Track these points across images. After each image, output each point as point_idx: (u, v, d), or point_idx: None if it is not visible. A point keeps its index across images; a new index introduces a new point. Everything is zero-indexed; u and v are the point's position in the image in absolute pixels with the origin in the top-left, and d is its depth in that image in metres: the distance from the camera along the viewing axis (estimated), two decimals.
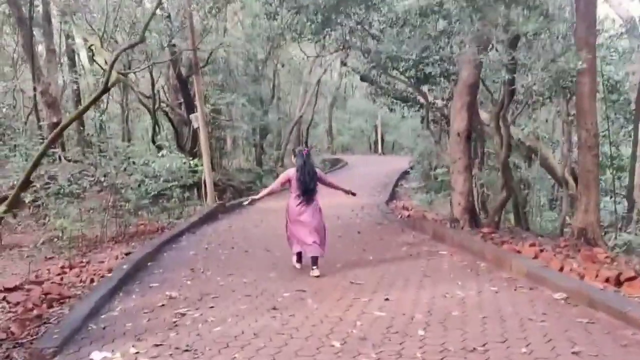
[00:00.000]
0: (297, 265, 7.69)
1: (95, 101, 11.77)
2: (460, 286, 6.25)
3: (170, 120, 19.88)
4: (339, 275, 7.07)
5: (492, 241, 9.15)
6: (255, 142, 26.81)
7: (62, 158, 21.81)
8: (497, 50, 8.55)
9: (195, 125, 14.94)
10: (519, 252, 8.25)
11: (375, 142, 41.45)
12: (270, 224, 12.16)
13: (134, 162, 13.68)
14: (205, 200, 15.23)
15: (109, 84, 10.99)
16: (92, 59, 19.61)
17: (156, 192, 15.49)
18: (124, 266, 7.81)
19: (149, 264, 8.56)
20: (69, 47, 23.94)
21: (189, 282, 7.14)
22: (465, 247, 8.25)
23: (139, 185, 15.01)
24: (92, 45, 16.26)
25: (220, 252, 9.26)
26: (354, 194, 8.12)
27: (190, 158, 17.37)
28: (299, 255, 7.64)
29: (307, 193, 7.35)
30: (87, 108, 11.39)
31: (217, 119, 20.10)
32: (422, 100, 13.28)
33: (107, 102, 30.71)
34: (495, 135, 10.93)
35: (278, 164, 27.49)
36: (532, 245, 8.74)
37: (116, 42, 16.23)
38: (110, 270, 7.78)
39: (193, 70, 14.80)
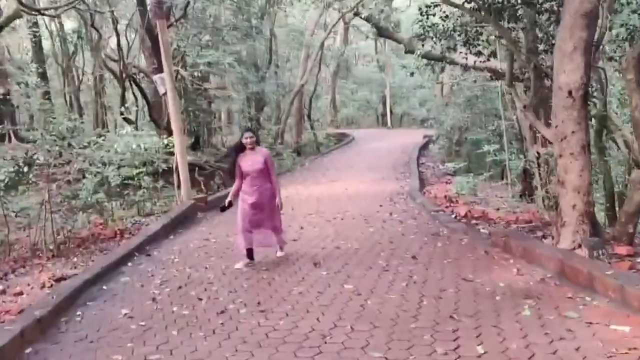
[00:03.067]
0: (240, 264, 6.25)
1: None
2: None
3: (139, 88, 15.28)
4: None
5: None
6: (251, 116, 22.24)
7: (13, 138, 17.44)
8: None
9: (162, 90, 10.44)
10: None
11: (383, 115, 36.62)
12: None
13: (69, 145, 9.27)
14: (179, 192, 10.81)
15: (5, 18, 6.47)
16: None
17: (119, 182, 11.35)
18: None
19: (27, 351, 4.20)
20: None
21: None
22: None
23: (84, 176, 10.72)
24: None
25: (175, 312, 4.84)
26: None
27: (166, 136, 13.09)
28: (250, 252, 6.32)
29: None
30: None
31: (201, 86, 15.46)
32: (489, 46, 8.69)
33: (82, 73, 26.08)
34: (634, 95, 6.48)
35: (277, 140, 23.00)
36: None
37: None
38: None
39: (156, 13, 10.16)
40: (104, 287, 5.84)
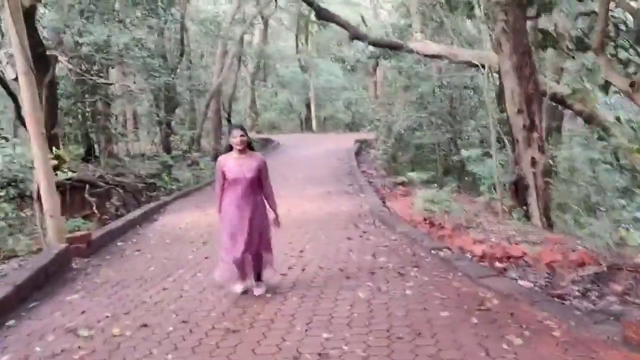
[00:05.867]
0: (240, 288, 4.90)
1: None
2: None
3: (1, 82, 10.87)
4: None
5: None
6: (160, 119, 18.20)
7: None
8: None
9: (11, 75, 6.50)
10: None
11: (307, 119, 33.42)
12: (190, 313, 4.32)
13: None
14: (43, 226, 6.88)
15: None
16: None
17: None
18: None
19: None
20: None
21: None
22: None
23: None
24: None
25: None
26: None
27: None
28: (243, 274, 4.89)
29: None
30: None
31: (85, 76, 11.33)
32: None
33: None
34: None
35: (193, 147, 19.09)
36: None
37: None
38: None
39: None
40: None
